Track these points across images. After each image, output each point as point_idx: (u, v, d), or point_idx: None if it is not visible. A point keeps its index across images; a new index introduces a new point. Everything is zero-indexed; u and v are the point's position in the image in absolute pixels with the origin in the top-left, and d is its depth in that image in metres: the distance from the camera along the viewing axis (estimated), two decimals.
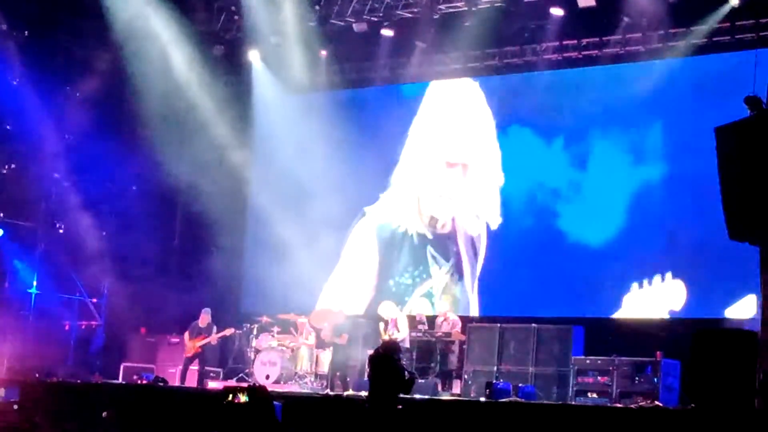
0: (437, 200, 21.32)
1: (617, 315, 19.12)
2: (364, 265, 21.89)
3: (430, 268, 21.23)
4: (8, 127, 21.20)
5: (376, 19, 21.35)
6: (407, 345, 18.19)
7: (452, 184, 21.26)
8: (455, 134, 21.45)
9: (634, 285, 18.96)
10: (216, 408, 12.16)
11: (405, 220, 21.64)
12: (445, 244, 21.20)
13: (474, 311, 20.72)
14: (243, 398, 11.92)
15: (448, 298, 20.70)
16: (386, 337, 18.27)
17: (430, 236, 21.30)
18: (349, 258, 22.02)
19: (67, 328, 22.73)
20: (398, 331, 18.38)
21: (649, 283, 18.79)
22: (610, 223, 19.53)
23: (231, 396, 12.09)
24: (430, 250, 21.23)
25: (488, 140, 20.99)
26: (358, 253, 21.97)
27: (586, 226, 19.77)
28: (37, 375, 18.75)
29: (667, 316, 18.67)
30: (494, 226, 20.68)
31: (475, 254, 20.82)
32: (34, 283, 22.10)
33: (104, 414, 13.04)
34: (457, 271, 20.98)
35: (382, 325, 18.82)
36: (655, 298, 18.74)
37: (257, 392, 12.18)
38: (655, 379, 16.64)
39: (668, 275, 18.64)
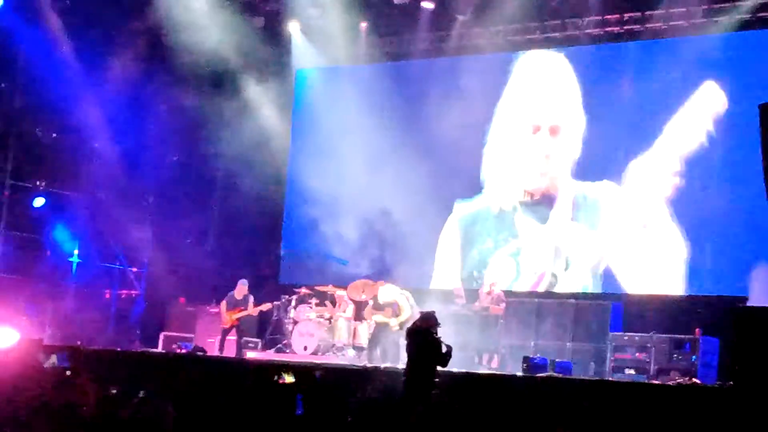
0: (532, 163, 20.92)
1: None
2: (447, 253, 21.73)
3: (517, 230, 20.84)
4: (50, 96, 21.31)
5: None
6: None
7: (548, 148, 20.87)
8: (545, 100, 21.08)
9: None
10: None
11: (489, 193, 21.33)
12: (541, 207, 20.78)
13: (574, 286, 20.22)
14: (289, 378, 12.02)
15: (541, 260, 20.53)
16: (390, 320, 18.14)
17: (517, 203, 20.91)
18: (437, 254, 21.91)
19: (107, 296, 22.99)
20: (401, 311, 18.14)
21: None
22: None
23: (276, 376, 12.21)
24: (517, 215, 20.87)
25: (575, 106, 20.63)
26: (441, 248, 21.83)
27: None
28: (78, 342, 18.96)
29: None
30: None
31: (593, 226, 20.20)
32: (76, 252, 22.32)
33: (141, 393, 13.18)
34: (553, 236, 20.49)
35: (378, 316, 18.40)
36: None
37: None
38: (694, 357, 16.60)
39: None
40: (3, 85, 21.22)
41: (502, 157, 21.37)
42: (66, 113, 21.57)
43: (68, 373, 14.36)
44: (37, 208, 21.80)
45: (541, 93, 21.12)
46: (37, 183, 21.93)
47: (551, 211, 20.65)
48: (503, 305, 18.74)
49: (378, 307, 18.45)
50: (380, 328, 18.29)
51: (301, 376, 12.88)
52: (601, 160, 20.33)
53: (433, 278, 21.70)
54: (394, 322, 18.04)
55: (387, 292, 18.48)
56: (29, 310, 20.32)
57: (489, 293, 18.97)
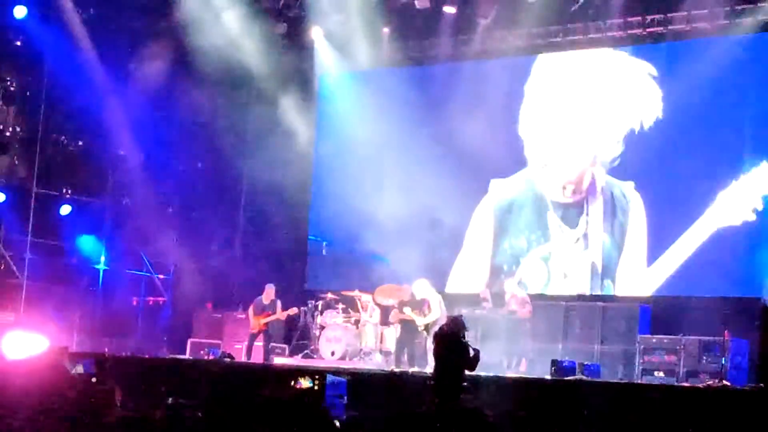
0: (566, 166, 20.83)
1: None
2: (478, 239, 21.57)
3: (550, 231, 20.70)
4: (75, 103, 21.39)
5: None
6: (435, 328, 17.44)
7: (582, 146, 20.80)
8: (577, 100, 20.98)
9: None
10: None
11: (526, 185, 21.18)
12: (572, 210, 20.60)
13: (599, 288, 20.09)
14: (305, 384, 11.97)
15: (568, 267, 20.39)
16: (417, 318, 18.00)
17: (554, 201, 20.78)
18: (468, 235, 21.76)
19: (134, 303, 23.06)
20: (429, 312, 18.11)
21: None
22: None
23: (293, 381, 12.18)
24: (552, 215, 20.70)
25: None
26: (474, 229, 21.68)
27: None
28: (106, 350, 19.02)
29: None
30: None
31: (622, 229, 20.09)
32: (102, 259, 22.39)
33: (169, 400, 13.21)
34: (585, 241, 20.34)
35: (408, 309, 18.23)
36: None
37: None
38: (723, 359, 16.48)
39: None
40: (28, 92, 21.33)
41: (544, 136, 21.25)
42: (91, 120, 21.67)
43: (94, 380, 14.43)
44: (64, 215, 21.87)
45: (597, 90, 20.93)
46: (63, 191, 22.00)
47: (581, 217, 20.48)
48: (529, 308, 18.68)
49: (410, 303, 18.27)
50: (407, 332, 18.22)
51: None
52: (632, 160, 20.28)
53: (458, 274, 21.57)
54: (420, 321, 17.95)
55: (421, 288, 18.39)
56: (57, 318, 20.40)
57: (513, 296, 18.91)
